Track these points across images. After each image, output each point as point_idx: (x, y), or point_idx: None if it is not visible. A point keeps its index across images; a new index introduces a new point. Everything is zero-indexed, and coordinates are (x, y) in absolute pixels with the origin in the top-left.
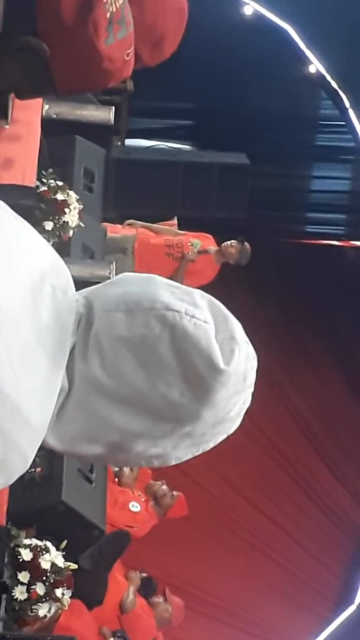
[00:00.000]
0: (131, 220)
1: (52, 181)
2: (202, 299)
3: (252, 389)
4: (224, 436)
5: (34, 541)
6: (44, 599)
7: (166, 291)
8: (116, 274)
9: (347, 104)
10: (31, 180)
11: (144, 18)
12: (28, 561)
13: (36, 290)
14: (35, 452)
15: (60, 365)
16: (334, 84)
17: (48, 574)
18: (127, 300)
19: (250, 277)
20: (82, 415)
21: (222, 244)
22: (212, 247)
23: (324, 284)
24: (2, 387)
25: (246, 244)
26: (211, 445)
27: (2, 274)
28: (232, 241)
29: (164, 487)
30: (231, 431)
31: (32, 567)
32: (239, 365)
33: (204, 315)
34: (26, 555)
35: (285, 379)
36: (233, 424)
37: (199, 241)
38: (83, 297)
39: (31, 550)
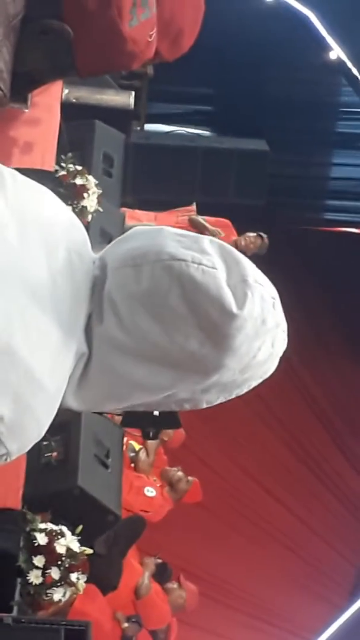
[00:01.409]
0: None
1: (71, 165)
2: (212, 244)
3: (278, 330)
4: (259, 381)
5: (50, 525)
6: (58, 584)
7: (173, 241)
8: None
9: None
10: (50, 165)
11: (162, 13)
12: (43, 545)
13: (51, 254)
14: (51, 420)
15: (74, 330)
16: (354, 71)
17: (63, 558)
18: (134, 254)
19: (268, 265)
20: (106, 377)
21: (242, 237)
22: (233, 237)
23: (343, 271)
24: (16, 350)
25: (265, 239)
26: (245, 390)
27: (17, 237)
28: (251, 235)
29: (180, 472)
30: (267, 375)
31: (48, 551)
32: (253, 308)
33: (212, 261)
34: (41, 539)
35: (303, 368)
36: (265, 368)
37: (219, 230)
38: (99, 259)
39: (46, 534)
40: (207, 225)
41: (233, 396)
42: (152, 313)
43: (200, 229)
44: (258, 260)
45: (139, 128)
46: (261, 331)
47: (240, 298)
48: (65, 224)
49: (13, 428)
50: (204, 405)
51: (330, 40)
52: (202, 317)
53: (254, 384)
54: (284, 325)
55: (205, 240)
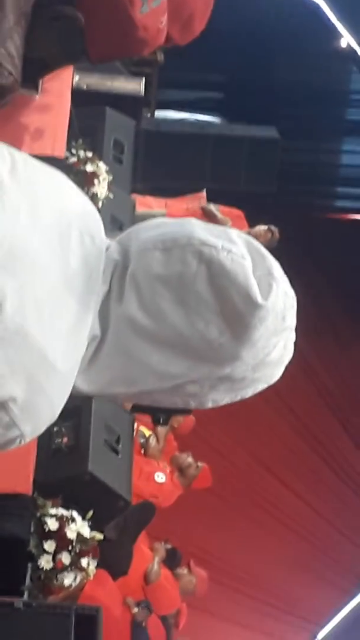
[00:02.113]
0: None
1: (81, 152)
2: (239, 237)
3: (292, 333)
4: (264, 385)
5: (60, 511)
6: (69, 569)
7: (202, 229)
8: None
9: None
10: (61, 152)
11: None
12: (54, 531)
13: (63, 236)
14: (64, 401)
15: (88, 311)
16: None
17: (74, 543)
18: (164, 239)
19: (278, 252)
20: (118, 359)
21: (250, 231)
22: (245, 229)
23: (354, 258)
24: (28, 331)
25: (276, 233)
26: (250, 393)
27: (29, 220)
28: (262, 228)
29: (190, 458)
30: (272, 380)
31: (58, 536)
32: (277, 301)
33: (241, 251)
34: (52, 524)
35: (314, 355)
36: (274, 371)
37: (229, 222)
38: (117, 243)
39: (57, 519)
40: (217, 214)
41: (238, 398)
42: (176, 296)
43: (210, 218)
44: (269, 251)
45: (149, 115)
46: (279, 328)
47: (265, 289)
48: (78, 207)
49: (27, 410)
50: (209, 405)
51: (340, 27)
52: (226, 304)
53: (260, 387)
54: (293, 334)
55: (234, 232)
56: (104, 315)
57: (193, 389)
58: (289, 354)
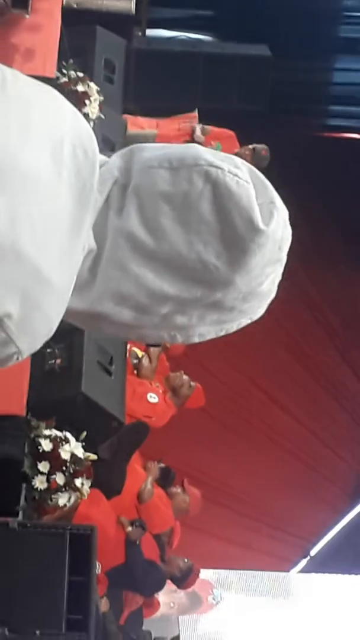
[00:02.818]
0: None
1: (72, 72)
2: (243, 164)
3: (282, 268)
4: (248, 321)
5: (54, 432)
6: (63, 489)
7: (209, 153)
8: None
9: None
10: (51, 72)
11: None
12: (48, 451)
13: (56, 149)
14: (60, 316)
15: (82, 225)
16: None
17: (68, 464)
18: (170, 158)
19: (270, 171)
20: (113, 274)
21: (237, 152)
22: (235, 149)
23: (346, 178)
24: (22, 247)
25: (259, 148)
26: (234, 327)
27: (20, 135)
28: (247, 148)
29: (184, 376)
30: (256, 315)
31: (52, 457)
32: (277, 228)
33: (246, 177)
34: (46, 445)
35: (304, 275)
36: (261, 303)
37: (219, 144)
38: (117, 157)
39: (51, 440)
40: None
41: (222, 333)
42: (178, 215)
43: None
44: (260, 168)
45: (140, 34)
46: (275, 257)
47: (267, 217)
48: (70, 121)
49: (23, 326)
50: (196, 339)
51: None
52: (227, 227)
53: (244, 322)
54: (282, 269)
55: (237, 158)
56: (100, 229)
57: (181, 321)
58: (274, 289)
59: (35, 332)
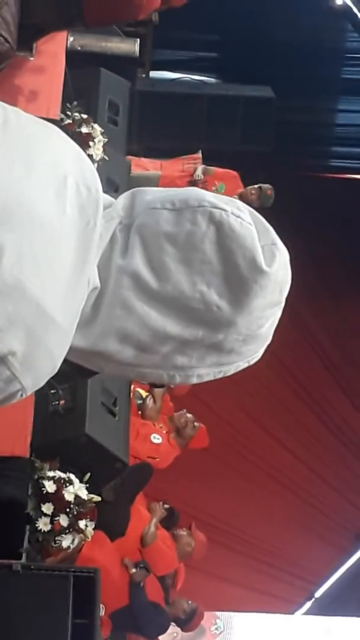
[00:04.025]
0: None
1: (76, 114)
2: (245, 207)
3: (281, 307)
4: (245, 365)
5: (58, 473)
6: (67, 531)
7: (211, 195)
8: None
9: None
10: (55, 113)
11: None
12: (52, 493)
13: (59, 187)
14: (64, 354)
15: (86, 262)
16: None
17: (71, 505)
18: (174, 199)
19: (274, 212)
20: (116, 312)
21: (243, 191)
22: (239, 190)
23: (349, 218)
24: (26, 284)
25: (265, 187)
26: (232, 370)
27: (24, 172)
28: (253, 187)
29: (189, 414)
30: (254, 359)
31: (56, 498)
32: (278, 270)
33: (248, 219)
34: (50, 487)
35: (308, 313)
36: (259, 348)
37: (224, 185)
38: (122, 197)
39: (55, 482)
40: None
41: (220, 376)
42: (181, 255)
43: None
44: (263, 210)
45: (144, 75)
46: (276, 300)
47: (269, 258)
48: (73, 158)
49: (27, 363)
50: (194, 380)
51: None
52: (231, 267)
53: (242, 366)
54: (280, 313)
55: (238, 201)
56: (104, 267)
57: (181, 361)
58: (271, 333)
59: (39, 370)
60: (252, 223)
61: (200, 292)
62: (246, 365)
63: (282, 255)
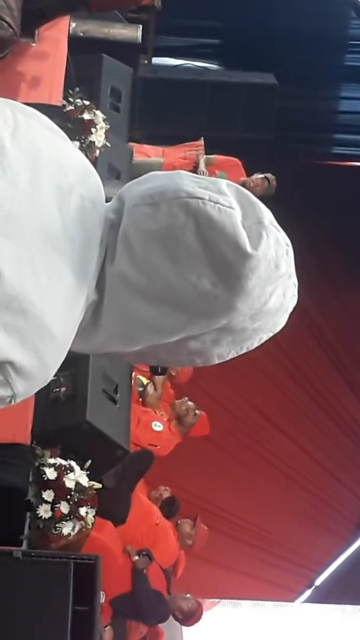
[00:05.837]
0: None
1: (78, 100)
2: (229, 187)
3: (292, 279)
4: (269, 335)
5: (59, 460)
6: (67, 518)
7: (190, 181)
8: None
9: None
10: (58, 100)
11: None
12: (52, 480)
13: (63, 200)
14: (58, 365)
15: (86, 276)
16: None
17: (72, 492)
18: (152, 193)
19: (276, 200)
20: (116, 318)
21: (246, 180)
22: (242, 177)
23: (351, 206)
24: (26, 297)
25: (272, 182)
26: (255, 344)
27: (29, 184)
28: (257, 177)
29: (190, 402)
30: (276, 329)
31: (57, 486)
32: (267, 249)
33: (229, 202)
34: (51, 474)
35: (310, 302)
36: (275, 319)
37: (224, 173)
38: (115, 199)
39: (56, 469)
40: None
41: (244, 351)
42: (166, 251)
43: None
44: (266, 199)
45: (146, 62)
46: (274, 276)
47: (255, 239)
48: (80, 171)
49: (22, 373)
50: (216, 360)
51: None
52: (216, 256)
53: (265, 337)
54: (295, 278)
55: (223, 182)
56: (100, 277)
57: (195, 346)
58: (290, 301)
59: (32, 381)
60: (234, 205)
61: (193, 284)
62: (270, 334)
63: (271, 232)
